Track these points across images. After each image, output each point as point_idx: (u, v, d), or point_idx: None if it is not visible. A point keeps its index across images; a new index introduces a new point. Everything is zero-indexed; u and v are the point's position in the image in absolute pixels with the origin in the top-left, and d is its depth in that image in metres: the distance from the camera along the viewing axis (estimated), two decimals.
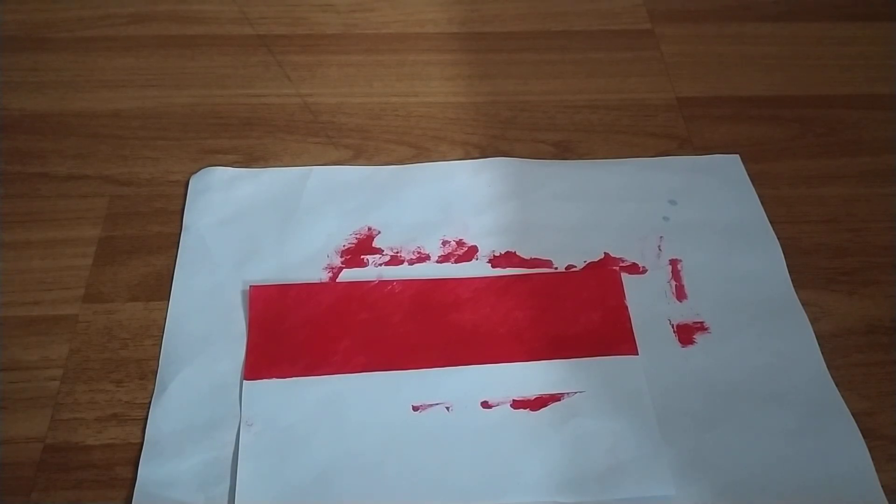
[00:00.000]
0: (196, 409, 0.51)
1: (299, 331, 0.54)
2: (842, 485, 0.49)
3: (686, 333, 0.55)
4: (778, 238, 0.60)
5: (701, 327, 0.55)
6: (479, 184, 0.62)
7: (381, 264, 0.58)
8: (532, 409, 0.51)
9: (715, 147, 0.66)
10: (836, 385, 0.53)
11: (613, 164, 0.64)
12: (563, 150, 0.65)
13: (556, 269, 0.58)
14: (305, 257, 0.58)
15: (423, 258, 0.58)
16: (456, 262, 0.58)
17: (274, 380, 0.52)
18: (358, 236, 0.59)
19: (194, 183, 0.62)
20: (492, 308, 0.55)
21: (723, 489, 0.48)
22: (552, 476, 0.48)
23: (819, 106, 0.69)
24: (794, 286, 0.57)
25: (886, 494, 0.48)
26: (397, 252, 0.58)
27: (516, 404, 0.51)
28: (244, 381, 0.52)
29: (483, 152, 0.65)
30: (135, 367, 0.53)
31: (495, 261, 0.58)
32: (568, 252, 0.59)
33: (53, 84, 0.69)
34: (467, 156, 0.65)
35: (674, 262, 0.58)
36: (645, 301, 0.56)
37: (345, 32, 0.74)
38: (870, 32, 0.76)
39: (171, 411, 0.51)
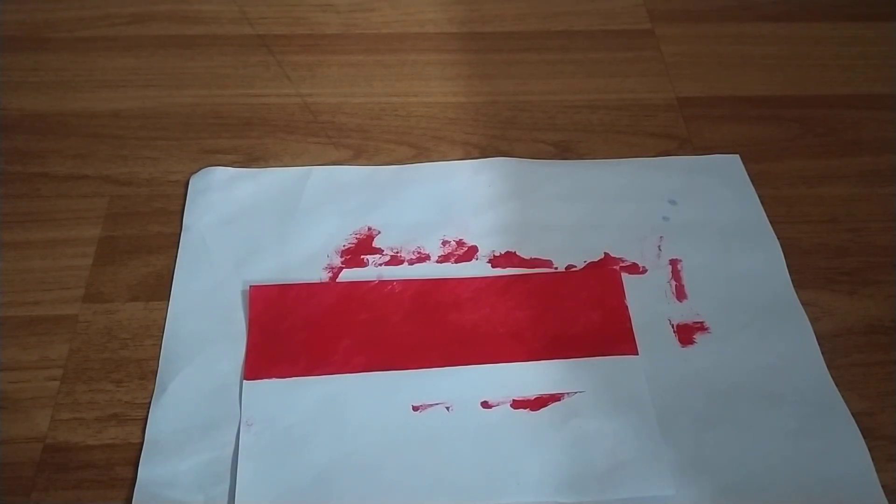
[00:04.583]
0: (196, 409, 0.51)
1: (299, 331, 0.54)
2: (842, 485, 0.49)
3: (686, 333, 0.55)
4: (778, 238, 0.60)
5: (701, 327, 0.55)
6: (479, 184, 0.62)
7: (381, 264, 0.58)
8: (532, 409, 0.51)
9: (715, 147, 0.66)
10: (836, 385, 0.53)
11: (613, 164, 0.64)
12: (563, 150, 0.65)
13: (556, 269, 0.58)
14: (305, 257, 0.58)
15: (423, 258, 0.58)
16: (456, 262, 0.58)
17: (274, 380, 0.52)
18: (358, 236, 0.59)
19: (194, 183, 0.62)
20: (492, 308, 0.55)
21: (723, 489, 0.48)
22: (552, 476, 0.48)
23: (819, 106, 0.69)
24: (794, 286, 0.57)
25: (886, 494, 0.48)
26: (397, 252, 0.58)
27: (516, 404, 0.51)
28: (244, 381, 0.52)
29: (483, 152, 0.65)
30: (135, 367, 0.53)
31: (495, 261, 0.58)
32: (568, 252, 0.59)
33: (53, 84, 0.69)
34: (467, 156, 0.65)
35: (674, 262, 0.58)
36: (645, 301, 0.56)
37: (345, 32, 0.74)
38: (870, 32, 0.76)
39: (171, 411, 0.51)
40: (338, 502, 0.47)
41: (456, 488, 0.48)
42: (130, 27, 0.74)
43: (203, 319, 0.55)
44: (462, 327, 0.54)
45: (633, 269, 0.58)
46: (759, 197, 0.62)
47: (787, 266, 0.58)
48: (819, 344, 0.54)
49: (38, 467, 0.49)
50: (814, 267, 0.59)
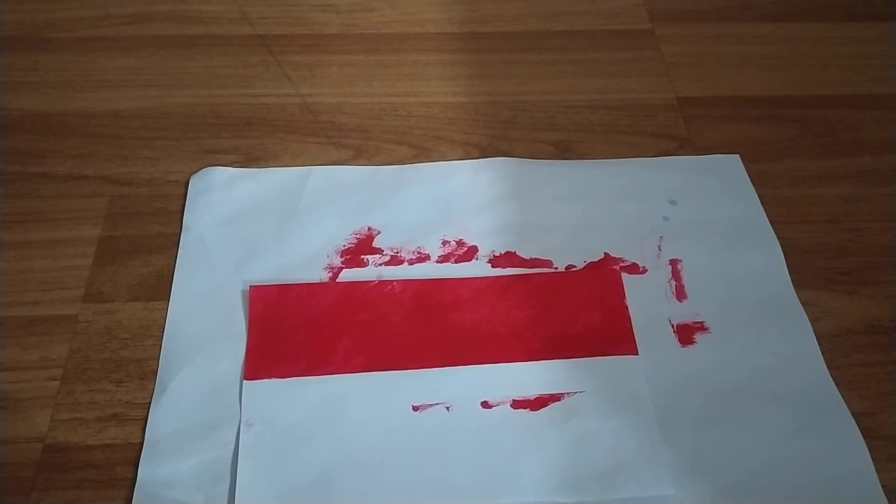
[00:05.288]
0: (196, 409, 0.51)
1: (299, 331, 0.54)
2: (842, 485, 0.49)
3: (686, 333, 0.55)
4: (778, 238, 0.60)
5: (701, 327, 0.55)
6: (479, 184, 0.62)
7: (381, 264, 0.58)
8: (532, 409, 0.51)
9: (715, 147, 0.66)
10: (836, 385, 0.53)
11: (613, 164, 0.64)
12: (563, 150, 0.65)
13: (556, 269, 0.58)
14: (305, 257, 0.58)
15: (423, 258, 0.58)
16: (456, 262, 0.58)
17: (274, 380, 0.52)
18: (358, 236, 0.59)
19: (194, 183, 0.62)
20: (492, 308, 0.55)
21: (723, 489, 0.48)
22: (552, 476, 0.48)
23: (819, 106, 0.69)
24: (794, 286, 0.57)
25: (886, 494, 0.48)
26: (397, 252, 0.58)
27: (516, 404, 0.51)
28: (244, 381, 0.52)
29: (483, 152, 0.65)
30: (135, 367, 0.53)
31: (495, 261, 0.58)
32: (568, 252, 0.59)
33: (53, 84, 0.69)
34: (467, 156, 0.65)
35: (674, 262, 0.58)
36: (645, 301, 0.56)
37: (345, 32, 0.74)
38: (870, 32, 0.76)
39: (171, 411, 0.51)
40: (338, 502, 0.47)
41: (456, 488, 0.48)
42: (130, 27, 0.74)
43: (203, 319, 0.55)
44: (462, 327, 0.54)
45: (633, 269, 0.58)
46: (759, 197, 0.62)
47: (787, 266, 0.58)
48: (819, 344, 0.54)
49: (38, 467, 0.49)
50: (814, 267, 0.59)
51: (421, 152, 0.65)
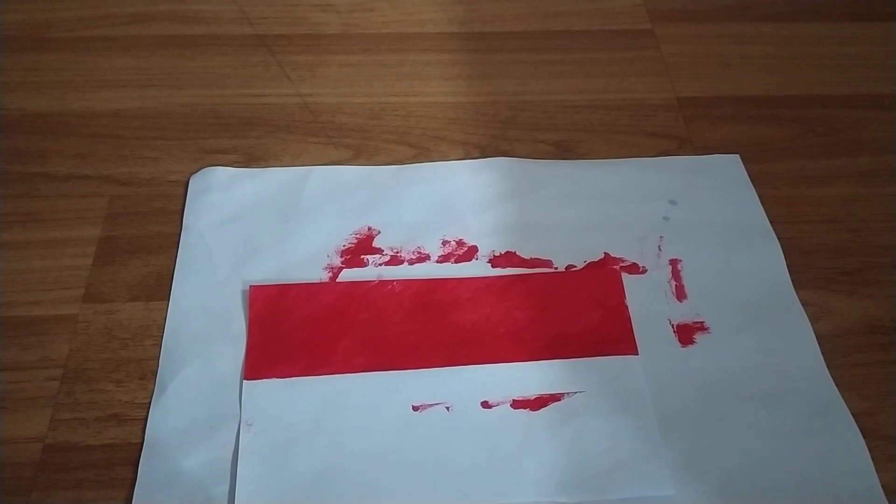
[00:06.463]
0: (196, 409, 0.51)
1: (299, 331, 0.54)
2: (842, 485, 0.49)
3: (686, 333, 0.55)
4: (778, 238, 0.60)
5: (701, 327, 0.55)
6: (479, 184, 0.62)
7: (381, 264, 0.58)
8: (532, 409, 0.51)
9: (715, 147, 0.66)
10: (836, 385, 0.53)
11: (613, 164, 0.64)
12: (563, 150, 0.65)
13: (556, 269, 0.58)
14: (305, 257, 0.58)
15: (423, 258, 0.58)
16: (456, 262, 0.58)
17: (274, 380, 0.52)
18: (358, 236, 0.59)
19: (194, 183, 0.62)
20: (492, 308, 0.55)
21: (722, 489, 0.48)
22: (552, 476, 0.48)
23: (819, 106, 0.69)
24: (794, 286, 0.57)
25: (886, 494, 0.48)
26: (397, 252, 0.58)
27: (516, 404, 0.51)
28: (244, 381, 0.52)
29: (483, 152, 0.65)
30: (135, 367, 0.53)
31: (495, 261, 0.58)
32: (568, 252, 0.59)
33: (53, 84, 0.69)
34: (467, 156, 0.65)
35: (674, 262, 0.58)
36: (645, 301, 0.56)
37: (345, 32, 0.74)
38: (870, 32, 0.76)
39: (171, 411, 0.51)
40: (338, 502, 0.47)
41: (456, 488, 0.48)
42: (130, 27, 0.74)
43: (203, 319, 0.55)
44: (462, 327, 0.54)
45: (633, 269, 0.58)
46: (759, 197, 0.62)
47: (787, 266, 0.58)
48: (819, 344, 0.54)
49: (38, 467, 0.49)
50: (814, 267, 0.59)
51: (421, 152, 0.65)
